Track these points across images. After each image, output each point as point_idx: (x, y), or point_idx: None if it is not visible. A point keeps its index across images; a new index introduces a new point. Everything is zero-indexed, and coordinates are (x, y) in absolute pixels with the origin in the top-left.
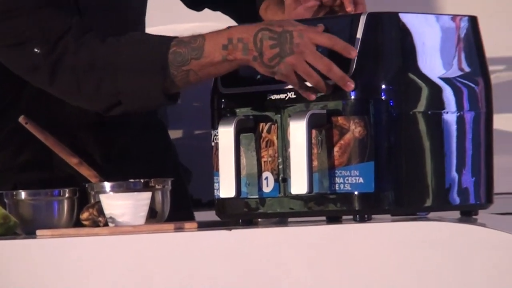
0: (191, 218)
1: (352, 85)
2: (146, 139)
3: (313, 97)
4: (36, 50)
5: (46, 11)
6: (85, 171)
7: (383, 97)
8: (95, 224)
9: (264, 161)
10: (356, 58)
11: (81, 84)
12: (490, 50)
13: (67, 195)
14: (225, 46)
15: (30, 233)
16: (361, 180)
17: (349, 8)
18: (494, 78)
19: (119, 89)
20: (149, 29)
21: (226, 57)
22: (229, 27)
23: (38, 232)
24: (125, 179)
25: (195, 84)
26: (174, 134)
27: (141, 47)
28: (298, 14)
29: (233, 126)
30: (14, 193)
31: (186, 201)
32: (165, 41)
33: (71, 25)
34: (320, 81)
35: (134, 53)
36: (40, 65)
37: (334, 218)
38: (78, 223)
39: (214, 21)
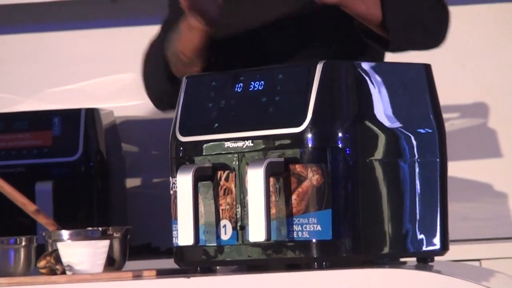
0: None
1: None
2: None
3: None
4: None
5: None
6: (43, 220)
7: (339, 145)
8: (52, 272)
9: (222, 209)
10: (313, 106)
11: None
12: (444, 97)
13: (23, 243)
14: None
15: None
16: (319, 227)
17: None
18: (448, 126)
19: None
20: None
21: None
22: None
23: None
24: None
25: None
26: (133, 182)
27: None
28: None
29: (191, 174)
30: None
31: None
32: None
33: None
34: None
35: None
36: None
37: (292, 266)
38: (35, 271)
39: None
